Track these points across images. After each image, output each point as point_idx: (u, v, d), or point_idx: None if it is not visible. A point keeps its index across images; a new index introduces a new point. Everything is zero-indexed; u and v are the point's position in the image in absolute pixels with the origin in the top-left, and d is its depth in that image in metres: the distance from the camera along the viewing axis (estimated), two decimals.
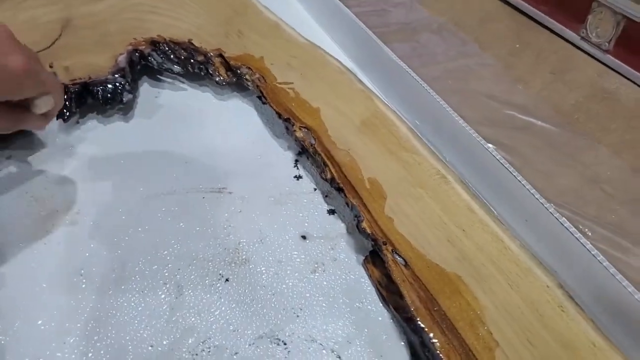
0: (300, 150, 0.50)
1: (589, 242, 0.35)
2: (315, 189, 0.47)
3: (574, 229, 0.37)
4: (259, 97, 0.55)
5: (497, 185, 0.43)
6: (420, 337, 0.32)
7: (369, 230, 0.38)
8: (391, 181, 0.42)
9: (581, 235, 0.36)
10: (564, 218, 0.37)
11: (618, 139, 0.52)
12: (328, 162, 0.44)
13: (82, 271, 0.39)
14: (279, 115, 0.50)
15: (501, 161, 0.44)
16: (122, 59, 0.54)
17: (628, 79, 0.59)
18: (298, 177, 0.48)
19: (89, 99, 0.52)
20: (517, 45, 0.67)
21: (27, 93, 0.38)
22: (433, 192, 0.41)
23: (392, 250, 0.36)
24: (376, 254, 0.39)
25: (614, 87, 0.59)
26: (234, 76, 0.55)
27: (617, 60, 0.60)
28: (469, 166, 0.46)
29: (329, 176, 0.43)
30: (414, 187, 0.41)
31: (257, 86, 0.53)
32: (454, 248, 0.37)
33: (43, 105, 0.39)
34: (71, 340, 0.35)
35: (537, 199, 0.39)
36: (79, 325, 0.36)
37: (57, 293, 0.38)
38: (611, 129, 0.53)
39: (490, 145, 0.47)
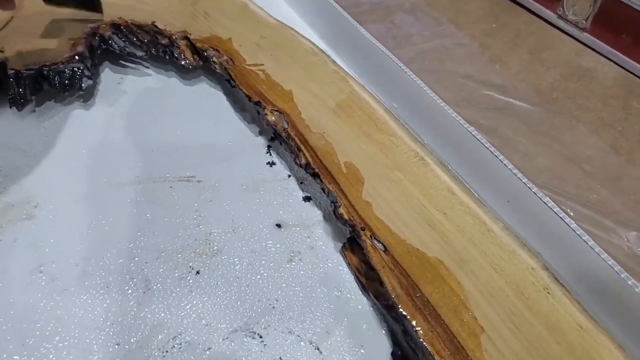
0: (273, 135, 0.48)
1: (573, 222, 0.34)
2: (289, 176, 0.45)
3: (557, 209, 0.36)
4: (228, 81, 0.52)
5: (477, 167, 0.42)
6: (402, 325, 0.31)
7: (346, 216, 0.36)
8: (368, 165, 0.40)
9: (565, 215, 0.35)
10: (547, 198, 0.36)
11: (596, 118, 0.51)
12: (302, 147, 0.42)
13: (42, 268, 0.36)
14: (249, 99, 0.47)
15: (482, 141, 0.43)
16: (81, 43, 0.51)
17: (605, 56, 0.59)
18: (271, 164, 0.46)
19: (45, 85, 0.48)
20: (494, 25, 0.66)
21: None
22: (412, 175, 0.40)
23: (370, 235, 0.35)
24: (354, 241, 0.37)
25: (591, 65, 0.58)
26: (201, 59, 0.53)
27: (594, 39, 0.60)
28: (448, 148, 0.45)
29: (303, 161, 0.41)
30: (392, 170, 0.40)
31: (225, 69, 0.50)
32: (435, 232, 0.36)
33: None
34: (30, 342, 0.32)
35: (519, 178, 0.38)
36: (38, 325, 0.33)
37: (14, 292, 0.35)
38: (589, 108, 0.53)
39: (468, 125, 0.46)
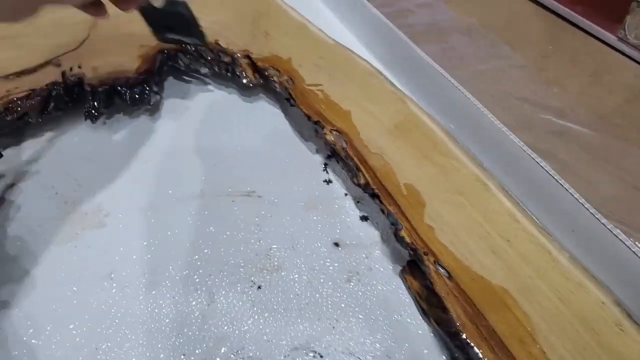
0: (330, 153, 0.49)
1: None
2: (346, 194, 0.46)
3: (629, 241, 0.35)
4: (287, 99, 0.53)
5: (539, 193, 0.42)
6: (466, 353, 0.31)
7: (408, 240, 0.36)
8: (429, 187, 0.41)
9: (638, 249, 0.34)
10: (618, 230, 0.35)
11: None
12: (361, 167, 0.43)
13: (112, 275, 0.38)
14: (309, 118, 0.48)
15: (543, 166, 0.42)
16: (149, 59, 0.53)
17: None
18: (328, 182, 0.47)
19: (117, 100, 0.51)
20: (550, 47, 0.65)
21: None
22: (474, 199, 0.39)
23: (434, 261, 0.35)
24: (414, 264, 0.37)
25: None
26: (262, 78, 0.54)
27: None
28: (509, 172, 0.44)
29: (362, 181, 0.42)
30: (453, 194, 0.40)
31: (286, 88, 0.52)
32: (499, 260, 0.35)
33: None
34: (103, 346, 0.34)
35: (585, 207, 0.37)
36: (110, 331, 0.35)
37: (88, 297, 0.37)
38: None
39: (530, 150, 0.45)
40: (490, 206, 0.39)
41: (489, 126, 0.48)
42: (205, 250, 0.40)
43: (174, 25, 0.47)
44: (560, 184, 0.39)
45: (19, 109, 0.47)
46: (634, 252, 0.34)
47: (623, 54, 0.62)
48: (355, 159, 0.43)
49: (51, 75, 0.51)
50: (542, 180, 0.42)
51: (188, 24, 0.48)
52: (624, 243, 0.35)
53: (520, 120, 0.54)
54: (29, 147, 0.48)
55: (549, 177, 0.41)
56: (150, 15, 0.46)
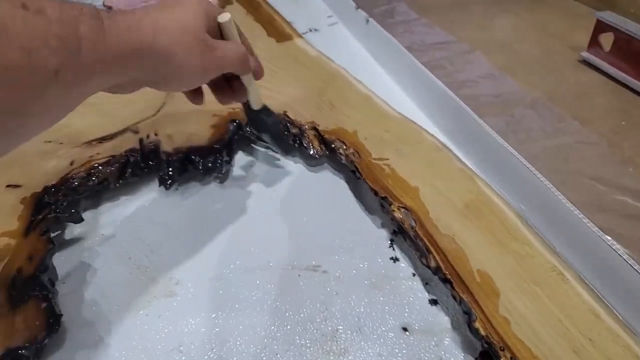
0: (396, 229, 0.49)
1: None
2: (414, 274, 0.45)
3: None
4: (353, 172, 0.54)
5: (621, 285, 0.39)
6: None
7: (483, 332, 0.35)
8: (502, 275, 0.39)
9: None
10: None
11: None
12: (432, 249, 0.42)
13: (182, 348, 0.39)
14: (376, 193, 0.49)
15: (623, 255, 0.40)
16: (221, 129, 0.56)
17: None
18: (395, 259, 0.46)
19: (190, 167, 0.53)
20: (623, 123, 0.63)
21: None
22: (550, 291, 0.38)
23: (510, 357, 0.33)
24: (487, 356, 0.36)
25: None
26: (327, 149, 0.56)
27: None
28: (586, 261, 0.43)
29: (433, 264, 0.41)
30: (529, 284, 0.39)
31: (352, 161, 0.53)
32: None
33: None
34: None
35: None
36: None
37: None
38: None
39: (607, 236, 0.43)
40: (569, 300, 0.37)
41: (560, 207, 0.46)
42: (272, 327, 0.40)
43: (266, 129, 0.52)
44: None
45: (100, 174, 0.51)
46: None
47: None
48: (425, 240, 0.43)
49: (129, 141, 0.55)
50: (624, 271, 0.39)
51: (277, 134, 0.53)
52: None
53: (592, 201, 0.52)
54: (106, 210, 0.51)
55: (631, 268, 0.39)
56: (249, 114, 0.51)
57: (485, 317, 0.36)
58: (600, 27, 0.72)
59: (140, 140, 0.55)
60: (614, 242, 0.42)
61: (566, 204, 0.46)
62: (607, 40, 0.72)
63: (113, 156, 0.52)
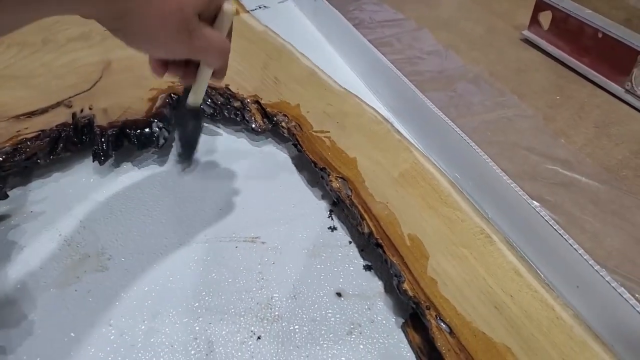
0: (335, 200, 0.49)
1: None
2: (350, 242, 0.45)
3: (634, 300, 0.34)
4: (295, 145, 0.54)
5: (543, 247, 0.41)
6: None
7: (410, 292, 0.36)
8: (432, 239, 0.40)
9: None
10: (622, 288, 0.35)
11: None
12: (365, 216, 0.43)
13: (112, 321, 0.38)
14: (315, 164, 0.49)
15: (547, 220, 0.42)
16: (159, 102, 0.55)
17: None
18: (332, 229, 0.47)
19: (125, 142, 0.52)
20: (558, 97, 0.66)
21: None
22: (478, 252, 0.39)
23: (436, 315, 0.34)
24: (417, 317, 0.37)
25: None
26: (270, 123, 0.55)
27: None
28: (513, 224, 0.44)
29: (366, 230, 0.42)
30: (457, 247, 0.40)
31: (293, 134, 0.53)
32: (502, 316, 0.35)
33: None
34: None
35: (589, 264, 0.37)
36: None
37: (85, 344, 0.36)
38: None
39: (535, 202, 0.45)
40: (494, 260, 0.39)
41: (493, 176, 0.48)
42: (207, 298, 0.40)
43: (185, 129, 0.49)
44: (565, 239, 0.39)
45: (28, 149, 0.48)
46: (638, 312, 0.33)
47: (630, 105, 0.63)
48: (360, 207, 0.44)
49: (62, 116, 0.52)
50: (547, 233, 0.41)
51: (190, 141, 0.50)
52: (629, 302, 0.34)
53: (526, 170, 0.54)
54: (36, 187, 0.49)
55: (554, 231, 0.41)
56: (180, 105, 0.48)
57: (414, 278, 0.37)
58: (540, 5, 0.74)
59: (73, 115, 0.53)
60: (541, 208, 0.44)
61: (499, 173, 0.47)
62: (546, 18, 0.74)
63: (43, 131, 0.50)
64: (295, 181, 0.52)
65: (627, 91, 0.63)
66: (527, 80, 0.70)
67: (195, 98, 0.43)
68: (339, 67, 0.70)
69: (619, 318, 0.35)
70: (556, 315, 0.35)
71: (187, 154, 0.52)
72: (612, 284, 0.35)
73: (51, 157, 0.50)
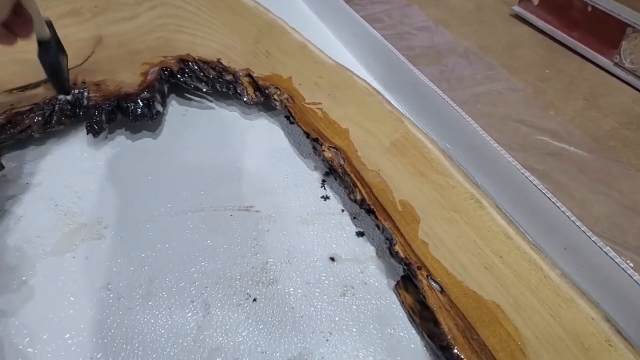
0: (328, 170, 0.50)
1: (636, 274, 0.34)
2: (343, 210, 0.46)
3: (618, 258, 0.35)
4: (287, 117, 0.55)
5: (533, 211, 0.42)
6: None
7: (402, 254, 0.37)
8: (424, 204, 0.41)
9: (627, 266, 0.35)
10: (608, 247, 0.36)
11: None
12: (357, 183, 0.43)
13: (110, 286, 0.39)
14: (307, 135, 0.49)
15: (537, 186, 0.43)
16: (151, 76, 0.55)
17: None
18: (325, 198, 0.47)
19: (119, 115, 0.52)
20: (547, 71, 0.66)
21: None
22: (468, 216, 0.40)
23: (427, 275, 0.35)
24: (408, 279, 0.38)
25: None
26: (262, 96, 0.55)
27: None
28: (503, 191, 0.45)
29: (358, 197, 0.43)
30: (448, 211, 0.41)
31: (285, 106, 0.53)
32: (492, 275, 0.36)
33: None
34: (98, 356, 0.34)
35: (577, 226, 0.38)
36: (106, 341, 0.35)
37: (84, 307, 0.37)
38: None
39: (524, 169, 0.46)
40: (484, 224, 0.40)
41: (484, 146, 0.48)
42: (203, 263, 0.41)
43: (49, 60, 0.49)
44: (553, 202, 0.40)
45: (23, 122, 0.49)
46: (623, 269, 0.34)
47: (618, 78, 0.64)
48: (352, 176, 0.44)
49: (55, 90, 0.52)
50: (537, 199, 0.42)
51: (55, 70, 0.50)
52: (614, 260, 0.35)
53: (516, 141, 0.55)
54: (31, 159, 0.49)
55: (544, 196, 0.42)
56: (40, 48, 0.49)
57: (405, 241, 0.38)
58: None
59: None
60: (531, 176, 0.45)
61: (490, 142, 0.48)
62: None
63: (37, 104, 0.50)
64: (288, 153, 0.52)
65: (616, 64, 0.64)
66: (517, 54, 0.70)
67: (38, 30, 0.46)
68: (330, 43, 0.70)
69: (605, 276, 0.36)
70: (544, 275, 0.36)
71: (60, 83, 0.51)
72: (599, 244, 0.36)
73: (45, 129, 0.50)
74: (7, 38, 0.42)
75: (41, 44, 0.48)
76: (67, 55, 0.53)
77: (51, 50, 0.49)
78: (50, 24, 0.49)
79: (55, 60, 0.50)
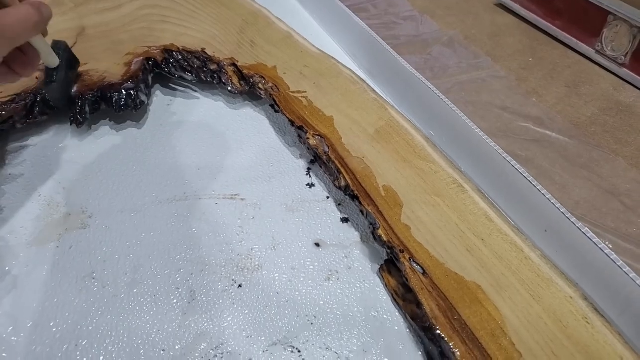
0: (313, 158, 0.50)
1: (613, 253, 0.35)
2: (328, 197, 0.46)
3: (597, 239, 0.36)
4: (272, 106, 0.55)
5: (514, 195, 0.43)
6: (439, 346, 0.31)
7: (385, 238, 0.37)
8: (407, 189, 0.42)
9: (604, 246, 0.35)
10: (586, 228, 0.37)
11: (636, 151, 0.51)
12: (342, 170, 0.44)
13: (94, 274, 0.39)
14: (292, 123, 0.50)
15: (519, 170, 0.43)
16: (135, 66, 0.54)
17: None
18: (310, 185, 0.48)
19: (103, 105, 0.52)
20: (530, 59, 0.67)
21: None
22: (450, 200, 0.40)
23: (409, 258, 0.36)
24: (392, 263, 0.38)
25: (631, 100, 0.59)
26: (247, 85, 0.55)
27: (633, 74, 0.60)
28: (486, 175, 0.46)
29: (343, 184, 0.43)
30: (430, 196, 0.41)
31: (270, 95, 0.53)
32: (473, 257, 0.36)
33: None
34: (83, 343, 0.34)
35: (557, 208, 0.38)
36: (91, 328, 0.35)
37: (69, 295, 0.37)
38: (628, 142, 0.53)
39: (506, 154, 0.46)
40: (466, 207, 0.40)
41: (468, 133, 0.49)
42: (188, 251, 0.41)
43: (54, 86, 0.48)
44: (534, 185, 0.41)
45: (4, 113, 0.48)
46: (602, 249, 0.35)
47: (600, 65, 0.64)
48: (337, 163, 0.44)
49: (37, 80, 0.52)
50: (518, 183, 0.43)
51: (63, 95, 0.49)
52: (593, 241, 0.36)
53: (499, 128, 0.55)
54: (14, 150, 0.49)
55: (525, 180, 0.42)
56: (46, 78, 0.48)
57: (388, 225, 0.38)
58: None
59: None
60: (513, 160, 0.45)
61: (473, 128, 0.49)
62: None
63: (18, 94, 0.50)
64: (273, 142, 0.53)
65: (597, 52, 0.64)
66: (501, 43, 0.71)
67: (48, 61, 0.46)
68: (315, 33, 0.71)
69: (584, 257, 0.37)
70: (525, 256, 0.37)
71: (62, 104, 0.50)
72: (578, 224, 0.37)
73: (28, 120, 0.49)
74: (8, 76, 0.39)
75: (49, 73, 0.47)
76: (79, 63, 0.52)
77: (58, 77, 0.47)
78: (65, 47, 0.49)
79: (59, 92, 0.48)
